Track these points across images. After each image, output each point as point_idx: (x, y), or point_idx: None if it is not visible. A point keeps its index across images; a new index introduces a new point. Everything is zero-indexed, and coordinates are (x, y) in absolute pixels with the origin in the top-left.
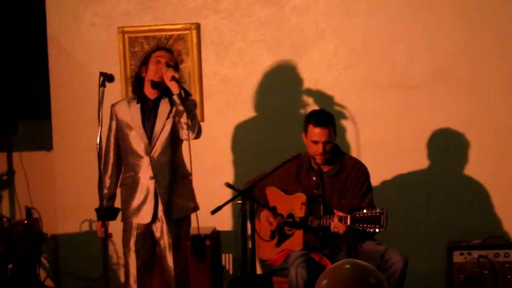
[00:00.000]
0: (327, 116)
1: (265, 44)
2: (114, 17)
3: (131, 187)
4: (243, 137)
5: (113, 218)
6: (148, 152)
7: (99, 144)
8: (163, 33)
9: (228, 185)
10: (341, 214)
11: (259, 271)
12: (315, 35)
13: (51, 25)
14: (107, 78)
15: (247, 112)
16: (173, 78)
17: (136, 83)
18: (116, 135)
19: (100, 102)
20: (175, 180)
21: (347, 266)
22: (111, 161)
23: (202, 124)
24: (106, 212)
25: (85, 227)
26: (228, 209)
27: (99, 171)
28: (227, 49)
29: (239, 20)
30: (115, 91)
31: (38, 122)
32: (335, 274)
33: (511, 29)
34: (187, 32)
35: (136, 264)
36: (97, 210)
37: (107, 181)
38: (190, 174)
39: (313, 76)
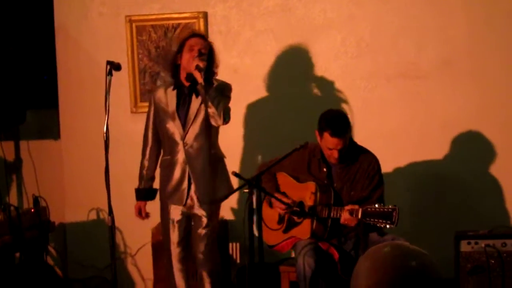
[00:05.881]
0: (344, 124)
1: (273, 33)
2: (122, 5)
3: (168, 170)
4: (252, 126)
5: (152, 198)
6: (183, 137)
7: (106, 133)
8: (171, 22)
9: (235, 174)
10: (352, 207)
11: (266, 260)
12: (323, 25)
13: (58, 14)
14: (114, 66)
15: (255, 101)
16: (196, 68)
17: (173, 70)
18: (154, 120)
19: (107, 91)
20: (208, 165)
21: (388, 248)
22: (149, 144)
23: None
24: (145, 193)
25: (93, 216)
26: (235, 198)
27: (106, 160)
28: (234, 38)
29: (246, 9)
30: (123, 79)
31: (46, 111)
32: (377, 256)
33: None
34: (194, 20)
35: (178, 239)
36: (136, 190)
37: (146, 163)
38: (225, 157)
39: (321, 65)
